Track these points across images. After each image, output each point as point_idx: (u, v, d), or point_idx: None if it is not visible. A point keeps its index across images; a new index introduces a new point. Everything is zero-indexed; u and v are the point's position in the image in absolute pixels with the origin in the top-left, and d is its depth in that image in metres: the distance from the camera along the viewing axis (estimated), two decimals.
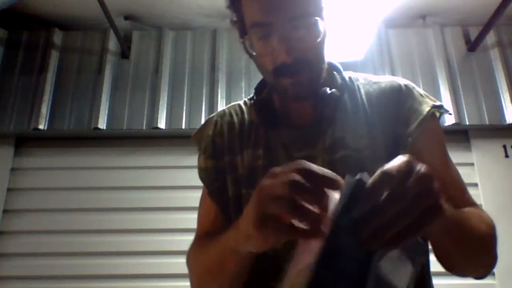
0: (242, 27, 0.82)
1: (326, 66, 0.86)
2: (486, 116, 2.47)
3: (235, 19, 0.83)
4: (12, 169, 2.48)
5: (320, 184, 0.50)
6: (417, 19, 2.67)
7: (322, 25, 0.78)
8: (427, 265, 0.84)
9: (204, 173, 0.92)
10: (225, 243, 0.69)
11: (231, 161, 0.88)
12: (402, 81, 0.88)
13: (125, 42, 2.65)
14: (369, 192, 0.46)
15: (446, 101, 2.48)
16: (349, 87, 0.88)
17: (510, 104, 2.47)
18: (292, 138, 0.85)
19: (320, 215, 0.48)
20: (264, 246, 0.55)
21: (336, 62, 0.93)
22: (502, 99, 2.50)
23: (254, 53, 0.80)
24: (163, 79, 2.58)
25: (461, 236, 0.66)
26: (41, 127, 2.46)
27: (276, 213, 0.50)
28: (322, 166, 0.79)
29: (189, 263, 0.88)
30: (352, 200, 0.46)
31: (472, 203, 0.79)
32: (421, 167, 0.48)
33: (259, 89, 0.93)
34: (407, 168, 0.47)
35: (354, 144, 0.81)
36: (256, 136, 0.87)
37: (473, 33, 2.63)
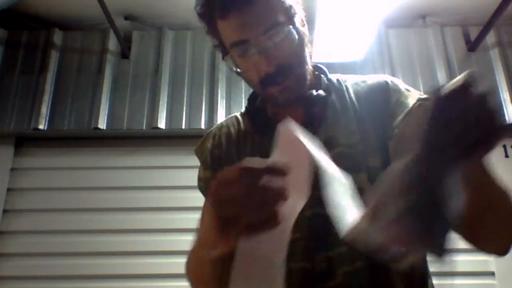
0: (223, 49, 0.87)
1: (310, 68, 0.90)
2: None
3: (216, 43, 0.88)
4: (12, 169, 2.47)
5: (268, 174, 0.52)
6: (417, 19, 2.67)
7: (296, 30, 0.83)
8: (427, 265, 0.85)
9: (203, 183, 0.96)
10: (199, 251, 0.73)
11: None
12: (388, 78, 0.92)
13: (125, 42, 2.65)
14: (450, 100, 0.46)
15: None
16: (336, 88, 0.91)
17: (510, 104, 2.47)
18: None
19: (273, 207, 0.50)
20: (227, 249, 0.56)
21: (321, 65, 0.96)
22: (502, 99, 2.50)
23: (239, 70, 0.85)
24: (163, 79, 2.58)
25: (492, 193, 0.66)
26: (41, 127, 2.46)
27: (233, 216, 0.52)
28: None
29: (186, 266, 0.91)
30: (437, 114, 0.47)
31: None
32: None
33: (252, 99, 0.97)
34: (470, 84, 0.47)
35: (346, 140, 0.84)
36: (252, 144, 0.91)
37: (473, 33, 2.63)
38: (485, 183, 0.63)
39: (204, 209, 0.98)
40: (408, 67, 2.60)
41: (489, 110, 0.47)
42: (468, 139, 0.45)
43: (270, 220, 0.50)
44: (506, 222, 0.70)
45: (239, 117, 0.99)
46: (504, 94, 2.50)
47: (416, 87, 2.82)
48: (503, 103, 2.49)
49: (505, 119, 0.51)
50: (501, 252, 0.74)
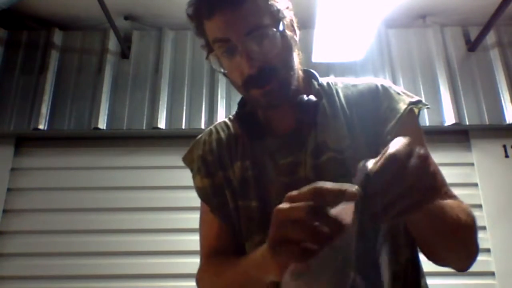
0: (210, 50, 0.86)
1: (298, 73, 0.89)
2: (486, 116, 2.47)
3: (203, 44, 0.87)
4: (12, 169, 2.48)
5: (337, 200, 0.50)
6: (417, 19, 2.67)
7: (282, 34, 0.82)
8: (419, 266, 0.85)
9: (202, 192, 0.94)
10: (246, 271, 0.70)
11: (225, 175, 0.91)
12: (378, 81, 0.91)
13: (125, 42, 2.66)
14: (377, 175, 0.49)
15: (446, 101, 2.48)
16: (327, 92, 0.91)
17: (510, 104, 2.47)
18: (277, 146, 0.88)
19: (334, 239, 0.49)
20: (283, 273, 0.53)
21: (311, 69, 0.96)
22: (502, 99, 2.51)
23: (223, 70, 0.85)
24: (163, 79, 2.58)
25: (443, 224, 0.68)
26: (41, 127, 2.46)
27: (294, 238, 0.50)
28: (307, 171, 0.83)
29: (200, 283, 0.89)
30: (366, 186, 0.50)
31: (451, 195, 0.81)
32: (419, 149, 0.51)
33: (242, 103, 0.96)
34: (408, 151, 0.50)
35: (336, 146, 0.84)
36: (243, 148, 0.91)
37: (473, 33, 2.63)
38: (436, 215, 0.66)
39: (203, 215, 0.96)
40: (408, 67, 2.60)
41: (426, 175, 0.50)
42: (407, 199, 0.49)
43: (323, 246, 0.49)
44: (460, 247, 0.75)
45: (228, 122, 0.98)
46: (504, 94, 2.50)
47: (416, 87, 2.81)
48: (503, 103, 2.49)
49: (436, 185, 0.57)
50: (462, 269, 0.78)
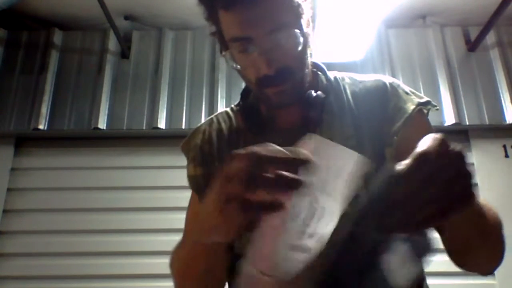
0: (221, 40, 0.81)
1: (309, 69, 0.86)
2: (486, 116, 2.47)
3: (214, 30, 0.82)
4: (12, 169, 2.48)
5: (283, 163, 0.51)
6: (417, 19, 2.67)
7: (302, 33, 0.78)
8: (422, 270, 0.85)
9: (193, 180, 0.92)
10: (191, 239, 0.70)
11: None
12: (387, 79, 0.88)
13: (125, 42, 2.66)
14: (404, 177, 0.45)
15: (446, 101, 2.48)
16: (334, 88, 0.88)
17: (510, 104, 2.47)
18: (280, 143, 0.85)
19: (282, 182, 0.49)
20: (229, 232, 0.54)
21: (320, 62, 0.93)
22: (502, 99, 2.50)
23: (236, 66, 0.81)
24: (163, 79, 2.58)
25: (479, 222, 0.65)
26: (41, 127, 2.46)
27: (237, 191, 0.50)
28: None
29: (170, 267, 0.90)
30: (384, 188, 0.45)
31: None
32: (454, 147, 0.46)
33: (244, 94, 0.93)
34: (442, 149, 0.46)
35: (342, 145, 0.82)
36: (245, 143, 0.87)
37: (473, 33, 2.63)
38: (471, 215, 0.62)
39: (191, 206, 0.95)
40: (408, 67, 2.60)
41: (463, 173, 0.46)
42: (442, 200, 0.44)
43: (275, 204, 0.49)
44: (493, 249, 0.72)
45: (230, 112, 0.95)
46: (504, 94, 2.50)
47: (416, 87, 2.82)
48: (503, 103, 2.49)
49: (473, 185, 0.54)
50: (487, 273, 0.77)
